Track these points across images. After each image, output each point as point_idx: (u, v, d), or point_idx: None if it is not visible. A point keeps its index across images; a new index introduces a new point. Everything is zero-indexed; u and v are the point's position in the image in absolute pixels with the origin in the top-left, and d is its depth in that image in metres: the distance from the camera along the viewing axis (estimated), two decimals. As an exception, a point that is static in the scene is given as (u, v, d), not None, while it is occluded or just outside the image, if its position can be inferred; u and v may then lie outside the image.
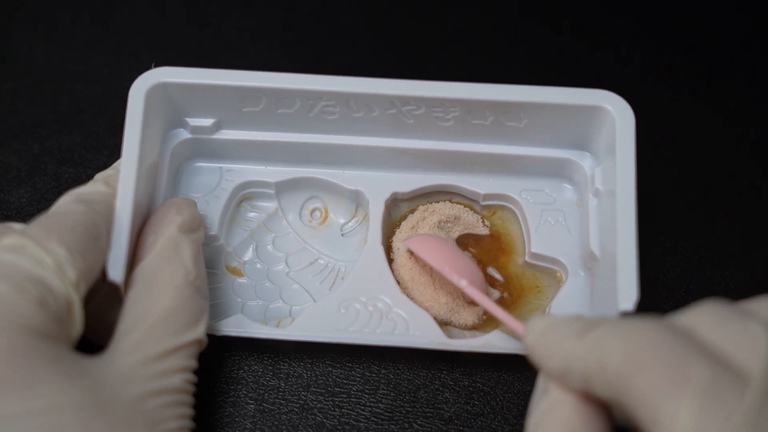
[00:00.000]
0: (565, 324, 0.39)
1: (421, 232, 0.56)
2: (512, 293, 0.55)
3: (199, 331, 0.45)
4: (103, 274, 0.45)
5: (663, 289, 0.57)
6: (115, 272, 0.45)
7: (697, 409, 0.31)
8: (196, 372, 0.45)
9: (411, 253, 0.54)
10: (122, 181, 0.47)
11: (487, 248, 0.57)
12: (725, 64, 0.67)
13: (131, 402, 0.40)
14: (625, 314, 0.46)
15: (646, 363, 0.33)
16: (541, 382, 0.41)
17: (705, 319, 0.35)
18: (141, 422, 0.40)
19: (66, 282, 0.40)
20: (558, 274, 0.55)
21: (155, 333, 0.43)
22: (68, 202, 0.45)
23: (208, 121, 0.54)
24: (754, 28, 0.69)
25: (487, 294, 0.52)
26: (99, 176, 0.49)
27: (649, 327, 0.35)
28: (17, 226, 0.43)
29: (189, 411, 0.44)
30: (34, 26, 0.67)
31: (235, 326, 0.51)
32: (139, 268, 0.46)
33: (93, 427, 0.38)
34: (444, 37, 0.68)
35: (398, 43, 0.68)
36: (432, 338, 0.51)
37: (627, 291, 0.46)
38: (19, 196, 0.59)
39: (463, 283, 0.50)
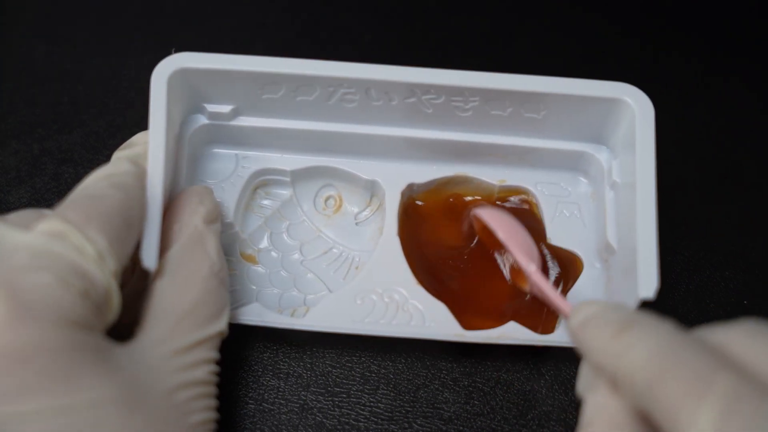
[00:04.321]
0: (605, 316, 0.39)
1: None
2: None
3: (222, 323, 0.45)
4: (132, 261, 0.45)
5: (663, 289, 0.56)
6: (149, 260, 0.45)
7: (717, 417, 0.31)
8: (218, 363, 0.45)
9: (478, 222, 0.54)
10: (151, 169, 0.47)
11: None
12: (725, 66, 0.68)
13: (163, 395, 0.41)
14: (646, 303, 0.46)
15: (671, 371, 0.33)
16: (585, 369, 0.41)
17: (739, 335, 0.35)
18: (173, 416, 0.41)
19: (106, 272, 0.40)
20: (573, 266, 0.56)
21: (183, 325, 0.43)
22: (103, 186, 0.44)
23: (226, 108, 0.54)
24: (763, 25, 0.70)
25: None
26: (123, 155, 0.48)
27: (678, 337, 0.35)
28: (48, 212, 0.42)
29: (214, 403, 0.44)
30: (34, 26, 0.67)
31: (251, 315, 0.51)
32: (165, 258, 0.46)
33: (131, 421, 0.38)
34: (459, 29, 0.69)
35: (416, 32, 0.69)
36: (448, 330, 0.51)
37: (647, 279, 0.46)
38: (19, 196, 0.59)
39: (532, 268, 0.50)
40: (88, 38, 0.66)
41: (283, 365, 0.53)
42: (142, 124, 0.48)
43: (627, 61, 0.67)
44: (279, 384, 0.53)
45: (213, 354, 0.45)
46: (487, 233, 0.53)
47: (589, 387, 0.40)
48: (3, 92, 0.63)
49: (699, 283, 0.58)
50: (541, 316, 0.53)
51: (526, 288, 0.53)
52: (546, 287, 0.49)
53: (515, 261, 0.51)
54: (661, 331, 0.36)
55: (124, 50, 0.66)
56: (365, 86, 0.52)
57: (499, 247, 0.54)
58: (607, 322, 0.38)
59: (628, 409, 0.37)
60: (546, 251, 0.55)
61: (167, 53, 0.50)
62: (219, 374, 0.45)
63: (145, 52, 0.65)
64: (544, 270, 0.54)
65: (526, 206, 0.57)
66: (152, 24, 0.68)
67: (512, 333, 0.51)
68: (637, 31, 0.69)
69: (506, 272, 0.54)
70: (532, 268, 0.50)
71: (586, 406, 0.39)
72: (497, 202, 0.57)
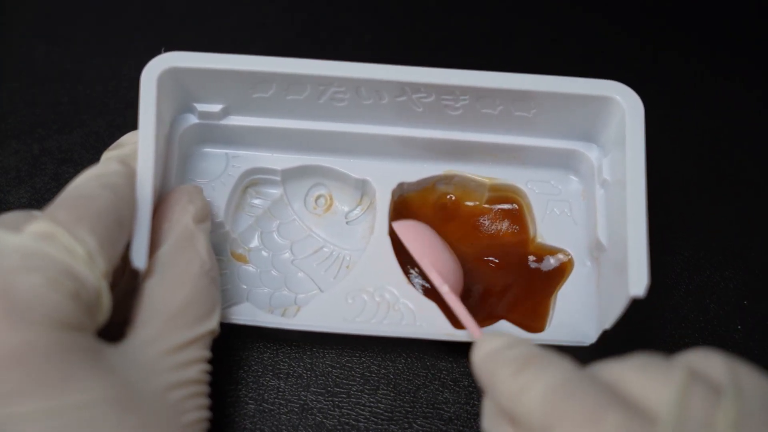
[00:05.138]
0: (506, 353, 0.40)
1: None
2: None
3: (213, 322, 0.45)
4: (122, 261, 0.45)
5: (663, 289, 0.57)
6: (139, 260, 0.45)
7: None
8: (210, 362, 0.45)
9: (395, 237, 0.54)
10: (141, 169, 0.47)
11: (494, 238, 0.57)
12: (724, 67, 0.67)
13: (156, 395, 0.41)
14: (642, 303, 0.47)
15: (563, 412, 0.35)
16: (488, 406, 0.42)
17: (630, 369, 0.37)
18: (167, 415, 0.41)
19: (96, 273, 0.40)
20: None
21: (174, 324, 0.43)
22: (93, 186, 0.44)
23: (216, 107, 0.54)
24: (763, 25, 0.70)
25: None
26: (113, 155, 0.48)
27: (573, 375, 0.37)
28: (37, 213, 0.43)
29: (207, 402, 0.44)
30: (34, 26, 0.67)
31: (242, 315, 0.51)
32: (156, 257, 0.46)
33: (126, 421, 0.39)
34: (459, 29, 0.69)
35: (416, 32, 0.69)
36: (439, 329, 0.51)
37: (638, 277, 0.46)
38: (18, 196, 0.59)
39: (444, 289, 0.50)
40: (88, 38, 0.67)
41: (283, 365, 0.53)
42: (139, 124, 0.48)
43: (626, 61, 0.67)
44: (279, 384, 0.53)
45: (205, 353, 0.45)
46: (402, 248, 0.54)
47: (492, 424, 0.41)
48: (3, 92, 0.63)
49: (699, 283, 0.58)
50: (532, 315, 0.53)
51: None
52: (457, 309, 0.49)
53: (430, 280, 0.51)
54: (556, 370, 0.37)
55: (124, 50, 0.66)
56: (356, 85, 0.52)
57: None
58: (507, 359, 0.39)
59: None
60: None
61: (161, 53, 0.50)
62: (211, 373, 0.45)
63: (145, 52, 0.64)
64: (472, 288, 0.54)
65: (516, 204, 0.57)
66: (152, 24, 0.68)
67: (503, 332, 0.51)
68: (637, 31, 0.69)
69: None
70: (444, 289, 0.50)
71: None
72: (486, 205, 0.58)
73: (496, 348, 0.40)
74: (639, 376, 0.36)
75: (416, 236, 0.53)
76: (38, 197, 0.59)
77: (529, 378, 0.37)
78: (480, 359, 0.41)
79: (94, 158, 0.59)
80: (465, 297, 0.54)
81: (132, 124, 0.53)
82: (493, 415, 0.41)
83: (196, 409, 0.43)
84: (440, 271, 0.51)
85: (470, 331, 0.48)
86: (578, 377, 0.36)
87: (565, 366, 0.37)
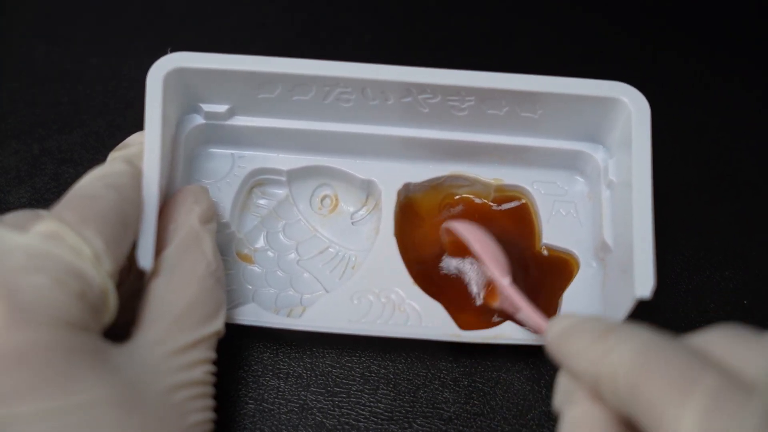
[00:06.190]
0: (584, 325, 0.39)
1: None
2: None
3: (219, 323, 0.45)
4: (128, 261, 0.45)
5: (663, 289, 0.57)
6: (145, 260, 0.45)
7: (701, 414, 0.31)
8: (215, 363, 0.45)
9: (449, 235, 0.54)
10: (147, 169, 0.47)
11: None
12: (724, 67, 0.68)
13: (160, 395, 0.41)
14: (644, 303, 0.47)
15: (654, 372, 0.33)
16: (563, 382, 0.41)
17: (718, 338, 0.35)
18: (171, 416, 0.41)
19: (102, 273, 0.40)
20: (570, 265, 0.56)
21: (180, 325, 0.43)
22: (99, 186, 0.44)
23: (222, 107, 0.54)
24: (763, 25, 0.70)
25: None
26: (118, 155, 0.48)
27: (660, 339, 0.35)
28: (44, 213, 0.42)
29: (212, 403, 0.44)
30: (34, 26, 0.67)
31: (247, 315, 0.51)
32: (161, 258, 0.46)
33: (128, 422, 0.38)
34: (459, 29, 0.69)
35: (416, 32, 0.69)
36: (444, 330, 0.51)
37: (644, 278, 0.46)
38: (18, 196, 0.59)
39: (506, 281, 0.50)
40: (88, 38, 0.66)
41: (283, 365, 0.53)
42: (141, 124, 0.48)
43: (627, 61, 0.67)
44: (279, 384, 0.53)
45: (210, 354, 0.45)
46: (456, 247, 0.54)
47: (567, 400, 0.40)
48: (3, 92, 0.63)
49: (699, 283, 0.58)
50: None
51: (495, 304, 0.53)
52: (520, 300, 0.49)
53: (490, 274, 0.51)
54: (642, 333, 0.36)
55: (124, 50, 0.66)
56: (361, 86, 0.52)
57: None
58: (587, 329, 0.38)
59: (609, 418, 0.37)
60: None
61: (166, 53, 0.50)
62: (216, 374, 0.45)
63: (145, 52, 0.65)
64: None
65: (523, 200, 0.57)
66: (152, 24, 0.68)
67: (509, 333, 0.51)
68: (637, 31, 0.69)
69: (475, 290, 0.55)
70: (506, 281, 0.50)
71: (564, 419, 0.39)
72: (492, 205, 0.58)
73: (574, 322, 0.40)
74: (729, 345, 0.35)
75: (475, 233, 0.52)
76: (38, 197, 0.59)
77: (615, 340, 0.36)
78: (557, 333, 0.40)
79: (94, 158, 0.60)
80: (470, 299, 0.54)
81: (132, 124, 0.54)
82: (567, 389, 0.40)
83: (201, 410, 0.43)
84: (499, 265, 0.51)
85: (534, 321, 0.47)
86: (667, 340, 0.35)
87: (650, 331, 0.36)
